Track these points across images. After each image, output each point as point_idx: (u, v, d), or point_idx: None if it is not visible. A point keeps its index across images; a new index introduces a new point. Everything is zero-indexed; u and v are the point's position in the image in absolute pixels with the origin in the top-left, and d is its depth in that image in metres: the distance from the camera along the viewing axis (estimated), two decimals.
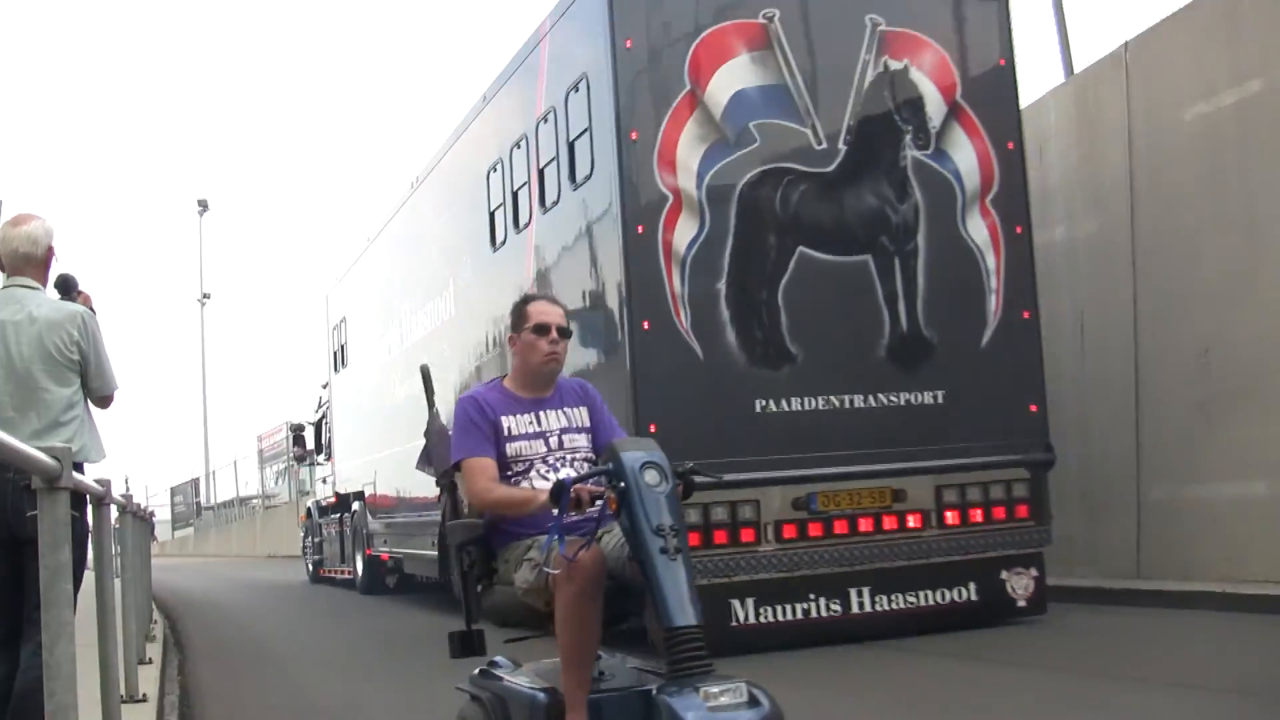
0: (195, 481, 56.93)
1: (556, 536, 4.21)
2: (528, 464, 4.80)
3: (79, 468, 5.26)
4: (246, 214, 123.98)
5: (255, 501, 43.52)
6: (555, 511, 4.26)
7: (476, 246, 11.67)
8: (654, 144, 8.88)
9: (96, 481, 5.52)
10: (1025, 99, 10.55)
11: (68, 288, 5.90)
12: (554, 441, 4.83)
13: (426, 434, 5.05)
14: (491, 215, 11.39)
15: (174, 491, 62.78)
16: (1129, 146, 11.29)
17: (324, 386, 20.34)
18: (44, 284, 5.57)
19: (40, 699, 3.61)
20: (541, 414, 4.88)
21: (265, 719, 7.78)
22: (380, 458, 15.16)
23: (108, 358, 5.55)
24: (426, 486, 11.69)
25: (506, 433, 4.79)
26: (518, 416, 4.84)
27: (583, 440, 4.85)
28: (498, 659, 4.82)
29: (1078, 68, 12.58)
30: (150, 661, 9.54)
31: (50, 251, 5.54)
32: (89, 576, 5.68)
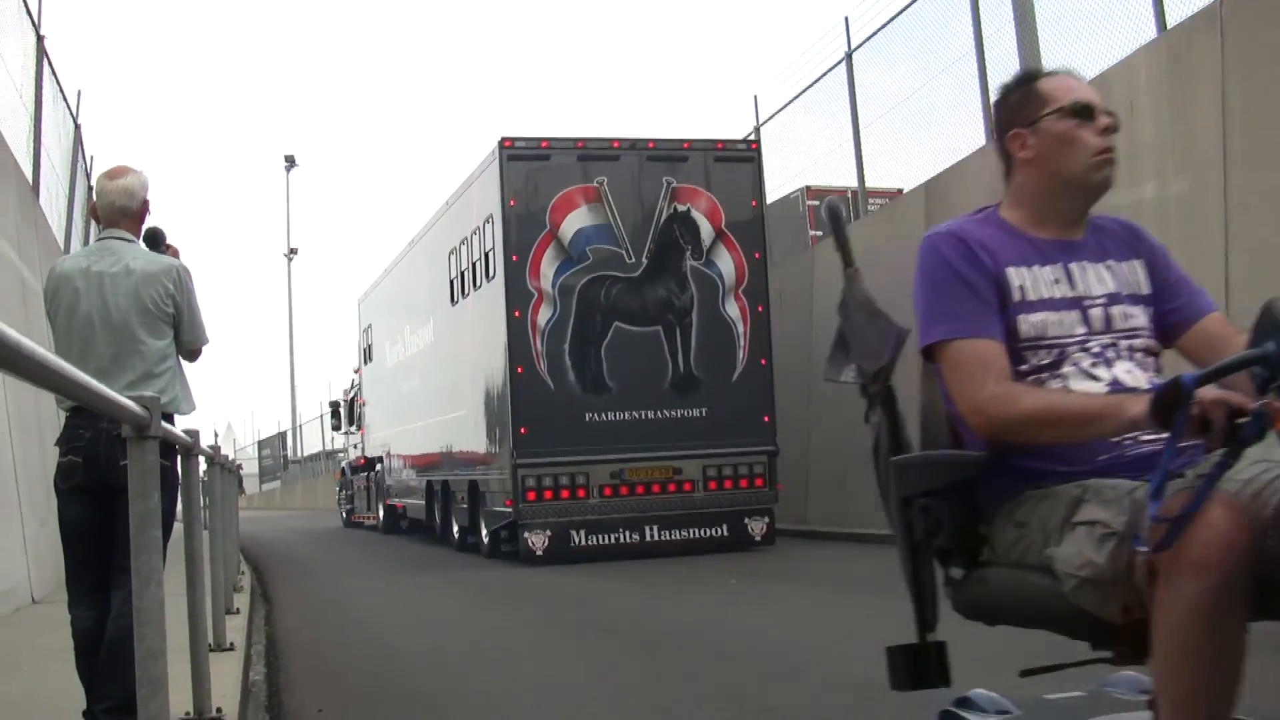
0: (282, 435, 57.96)
1: (1159, 483, 2.45)
2: (1058, 352, 2.98)
3: (170, 419, 5.38)
4: (333, 170, 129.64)
5: (340, 455, 48.32)
6: (1159, 437, 2.58)
7: (443, 299, 18.89)
8: (526, 262, 15.88)
9: (185, 433, 5.53)
10: (1115, 55, 12.28)
11: (156, 241, 6.01)
12: (1097, 316, 3.03)
13: (842, 311, 3.47)
14: (451, 281, 18.47)
15: (262, 445, 64.62)
16: (1222, 105, 11.09)
17: (355, 371, 28.67)
18: (137, 237, 5.69)
19: (130, 645, 3.67)
20: (1074, 268, 3.07)
21: (349, 669, 8.03)
22: (394, 432, 22.95)
23: (199, 311, 5.68)
24: (416, 451, 21.08)
25: (1019, 295, 3.01)
26: (1035, 269, 3.05)
27: (1141, 317, 3.05)
28: (976, 695, 3.21)
29: (1170, 23, 12.26)
30: (237, 612, 9.76)
31: (145, 205, 5.66)
32: (177, 528, 5.70)
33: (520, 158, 16.05)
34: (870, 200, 19.10)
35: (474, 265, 17.26)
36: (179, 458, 5.67)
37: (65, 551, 5.45)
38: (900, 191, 18.60)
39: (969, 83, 16.09)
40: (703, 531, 16.16)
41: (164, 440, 4.20)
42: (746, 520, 16.26)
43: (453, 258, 18.37)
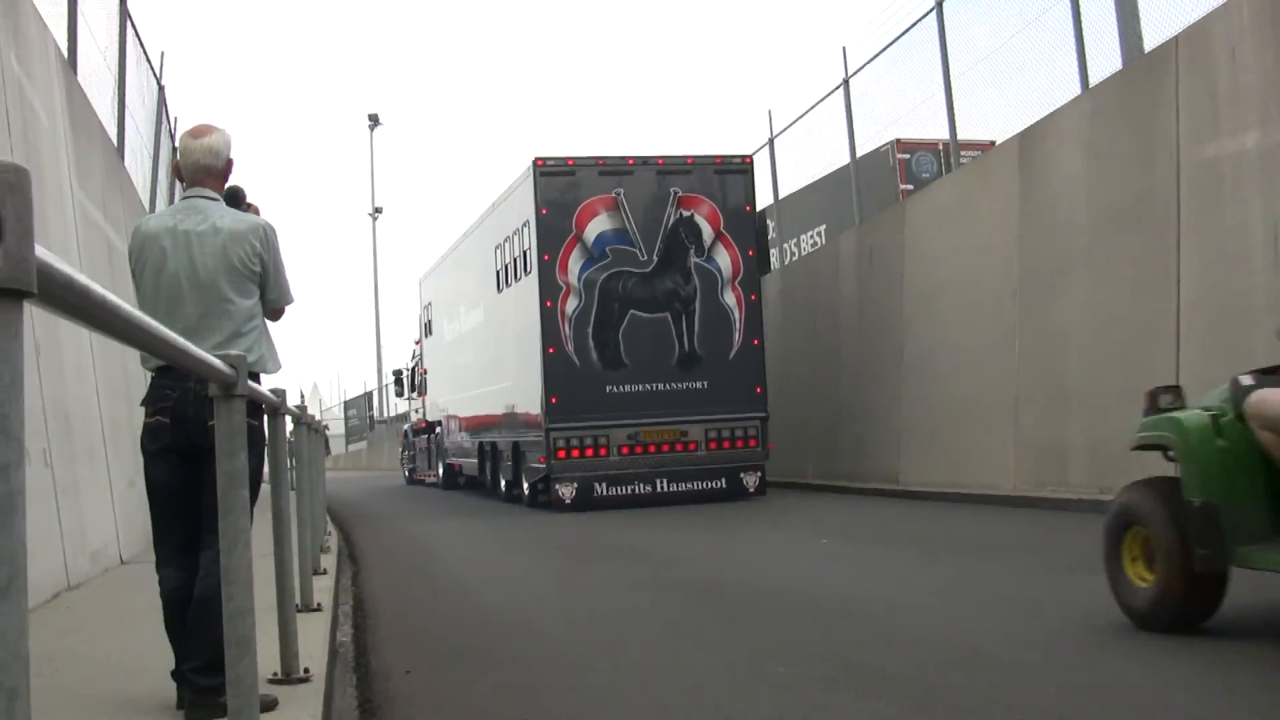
0: (368, 395, 58.61)
1: None
2: None
3: (256, 378, 5.34)
4: (416, 129, 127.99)
5: (403, 419, 45.77)
6: None
7: (491, 287, 22.79)
8: (556, 260, 19.61)
9: (271, 392, 5.48)
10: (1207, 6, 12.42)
11: (237, 199, 5.82)
12: None
13: None
14: (497, 273, 22.24)
15: (348, 406, 64.87)
16: None
17: (416, 343, 32.63)
18: (221, 195, 5.61)
19: (219, 604, 3.68)
20: None
21: (436, 630, 7.99)
22: (452, 399, 27.01)
23: (285, 270, 5.60)
24: (470, 416, 25.25)
25: None
26: None
27: None
28: None
29: None
30: (324, 572, 9.67)
31: (229, 163, 5.59)
32: (265, 488, 5.86)
33: (550, 174, 19.71)
34: (962, 153, 18.82)
35: (515, 260, 21.04)
36: (265, 417, 5.58)
37: (153, 512, 5.37)
38: (993, 144, 18.25)
39: (1063, 30, 15.69)
40: (705, 484, 19.75)
41: (251, 399, 4.10)
42: (742, 475, 19.86)
43: (498, 252, 22.11)
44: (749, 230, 20.33)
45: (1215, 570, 6.47)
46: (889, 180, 21.60)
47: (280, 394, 5.94)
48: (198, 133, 5.58)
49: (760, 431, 19.84)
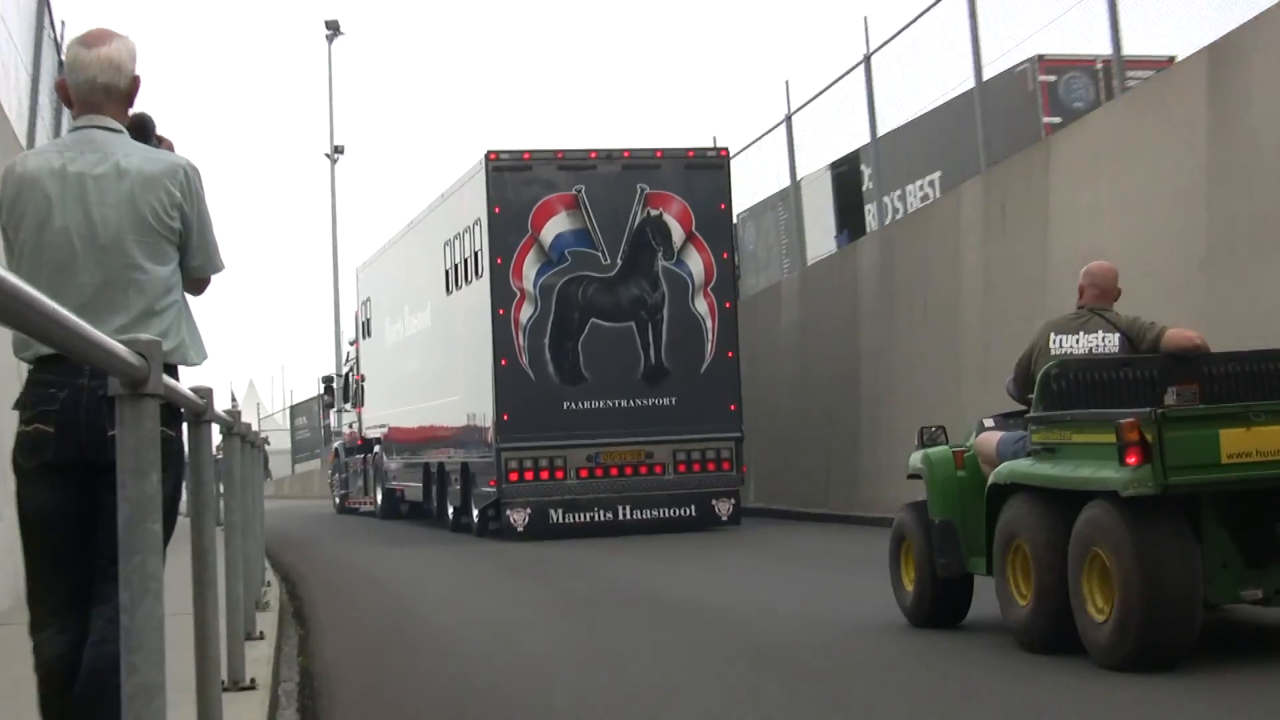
0: (323, 399, 41.83)
1: None
2: None
3: (174, 372, 4.44)
4: (387, 44, 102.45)
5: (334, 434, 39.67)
6: None
7: (439, 287, 21.74)
8: (510, 264, 18.66)
9: (194, 391, 4.52)
10: None
11: (145, 130, 4.68)
12: None
13: None
14: (446, 272, 21.15)
15: (295, 412, 52.29)
16: None
17: (351, 344, 30.32)
18: (125, 124, 4.54)
19: (116, 680, 2.98)
20: None
21: (414, 710, 6.94)
22: (394, 413, 25.58)
23: (212, 227, 4.60)
24: (416, 433, 23.59)
25: None
26: None
27: None
28: None
29: None
30: (261, 637, 8.37)
31: (135, 82, 4.51)
32: (182, 522, 4.60)
33: (504, 169, 18.86)
34: (1129, 74, 15.27)
35: (465, 261, 20.16)
36: (185, 426, 4.62)
37: (28, 554, 4.35)
38: (1172, 60, 15.06)
39: None
40: (672, 511, 18.92)
41: (166, 401, 3.42)
42: (713, 501, 18.95)
43: (447, 249, 21.16)
44: (724, 231, 19.54)
45: (951, 574, 8.65)
46: (1027, 111, 17.35)
47: (205, 394, 4.87)
48: (92, 40, 4.48)
49: (734, 453, 19.05)
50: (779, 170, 23.90)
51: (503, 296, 18.60)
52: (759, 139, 24.23)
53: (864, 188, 21.81)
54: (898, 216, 20.69)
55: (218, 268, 4.64)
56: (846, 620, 9.54)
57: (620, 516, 18.70)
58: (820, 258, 22.83)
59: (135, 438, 2.97)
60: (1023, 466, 7.84)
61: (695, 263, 19.11)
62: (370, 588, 13.99)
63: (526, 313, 18.62)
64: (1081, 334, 8.38)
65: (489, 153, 18.82)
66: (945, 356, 18.09)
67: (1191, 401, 7.20)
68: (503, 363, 18.56)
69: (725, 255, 19.32)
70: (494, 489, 18.60)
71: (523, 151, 18.95)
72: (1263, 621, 8.40)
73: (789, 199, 23.77)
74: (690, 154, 19.38)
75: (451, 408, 20.98)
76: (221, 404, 6.91)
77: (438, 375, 22.04)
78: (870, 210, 21.60)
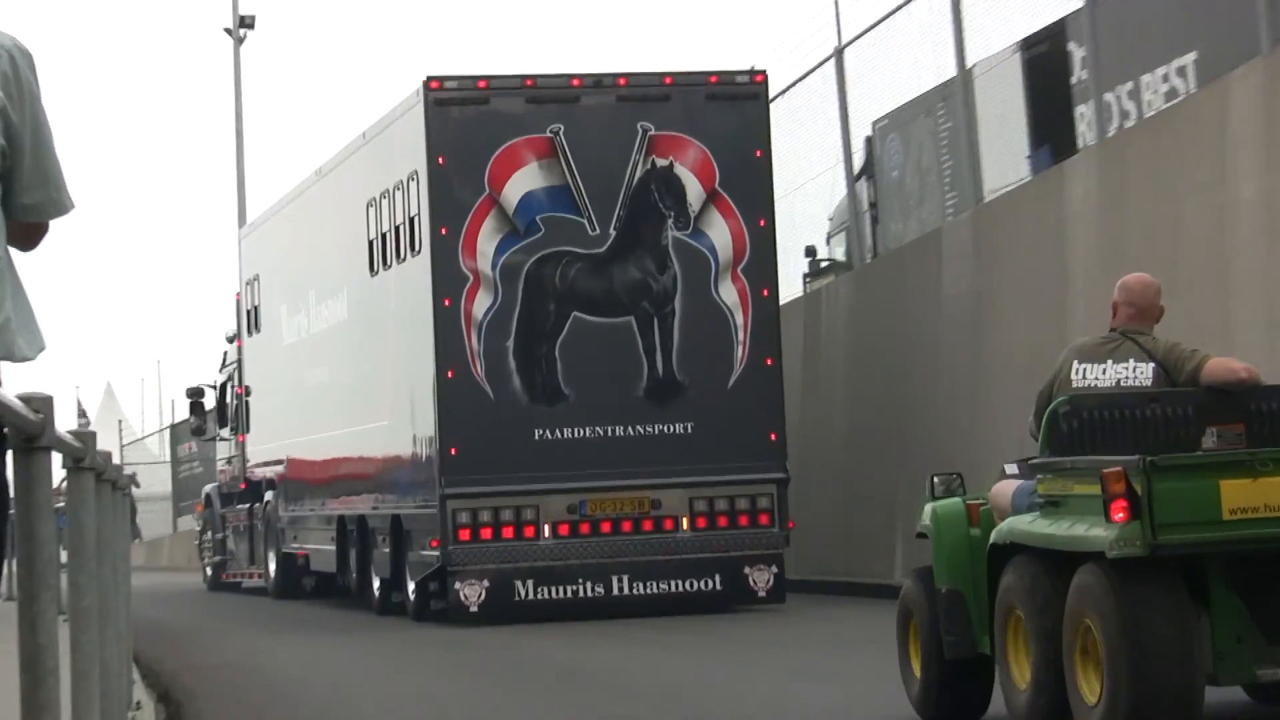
0: (190, 423, 30.04)
1: None
2: None
3: None
4: None
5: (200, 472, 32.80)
6: None
7: (360, 265, 16.92)
8: (459, 236, 14.52)
9: (23, 401, 3.44)
10: None
11: None
12: None
13: None
14: (370, 244, 16.66)
15: (176, 435, 37.56)
16: None
17: (230, 341, 23.18)
18: None
19: None
20: None
21: None
22: (293, 443, 20.14)
23: (53, 142, 3.76)
24: (325, 472, 17.49)
25: None
26: None
27: None
28: None
29: None
30: None
31: None
32: (5, 609, 4.62)
33: (451, 101, 14.70)
34: None
35: (396, 230, 15.83)
36: (9, 454, 3.55)
37: None
38: None
39: None
40: (689, 584, 14.77)
41: None
42: (747, 569, 14.83)
43: (371, 212, 16.64)
44: (762, 188, 15.37)
45: (961, 655, 7.68)
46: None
47: (42, 405, 3.45)
48: None
49: (776, 502, 14.90)
50: (936, 55, 18.04)
51: (449, 281, 14.49)
52: (898, 7, 18.06)
53: (1073, 80, 16.73)
54: (1127, 123, 15.87)
55: (63, 207, 3.75)
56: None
57: (615, 591, 14.62)
58: (1004, 190, 17.28)
59: None
60: (1022, 524, 7.35)
61: (720, 233, 14.93)
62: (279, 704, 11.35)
63: (482, 304, 14.51)
64: (1110, 362, 7.82)
65: (429, 79, 14.68)
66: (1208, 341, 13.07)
67: (1236, 444, 7.13)
68: (449, 374, 14.51)
69: (762, 223, 15.10)
70: (437, 552, 14.68)
71: (477, 78, 14.93)
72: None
73: (954, 97, 17.63)
74: (713, 79, 15.26)
75: (377, 437, 16.75)
76: (64, 422, 4.96)
77: (357, 391, 17.48)
78: (1083, 114, 16.53)
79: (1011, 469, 7.83)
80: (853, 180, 18.57)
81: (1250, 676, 6.81)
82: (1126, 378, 7.65)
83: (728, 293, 14.74)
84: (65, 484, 5.74)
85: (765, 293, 14.88)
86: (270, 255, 21.20)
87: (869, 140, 18.75)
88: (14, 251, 3.63)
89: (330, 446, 18.20)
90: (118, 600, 8.07)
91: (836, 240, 20.08)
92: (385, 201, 15.98)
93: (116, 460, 12.12)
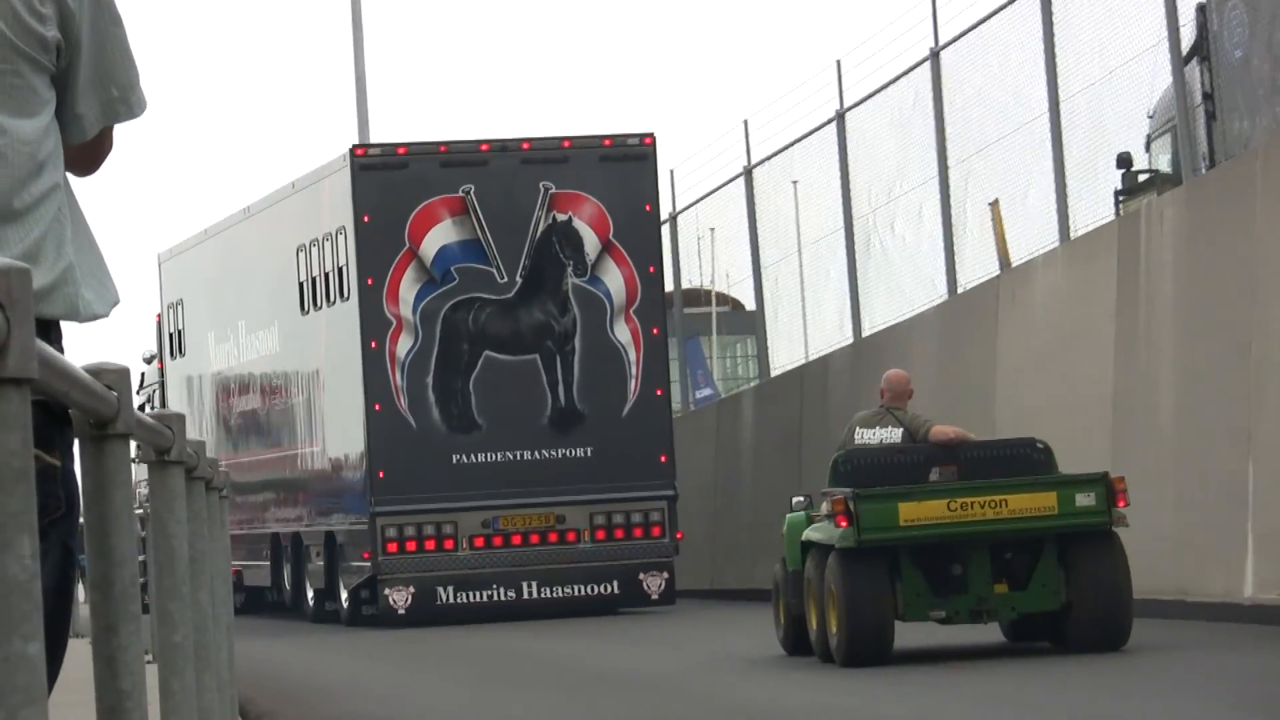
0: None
1: None
2: None
3: (54, 333, 3.03)
4: None
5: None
6: None
7: (291, 303, 20.28)
8: (383, 285, 17.54)
9: (92, 373, 2.69)
10: None
11: None
12: None
13: None
14: (301, 285, 19.96)
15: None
16: None
17: (149, 362, 25.81)
18: None
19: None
20: None
21: None
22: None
23: (124, 35, 3.16)
24: (256, 495, 20.56)
25: None
26: None
27: None
28: None
29: None
30: None
31: None
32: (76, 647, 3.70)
33: (375, 167, 17.94)
34: None
35: (326, 277, 19.02)
36: (77, 444, 3.01)
37: None
38: None
39: None
40: (590, 589, 17.94)
41: (43, 395, 2.27)
42: (641, 575, 17.93)
43: (301, 256, 19.84)
44: (650, 238, 18.63)
45: (799, 613, 12.22)
46: None
47: (116, 379, 2.80)
48: None
49: (666, 515, 18.17)
50: None
51: (375, 325, 17.62)
52: None
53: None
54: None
55: (132, 108, 3.15)
56: None
57: (525, 595, 17.77)
58: None
59: None
60: (813, 530, 12.07)
61: (614, 279, 18.17)
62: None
63: (405, 345, 17.64)
64: (877, 428, 12.63)
65: (354, 147, 18.16)
66: None
67: (951, 479, 11.93)
68: (376, 407, 17.62)
69: (651, 270, 18.47)
70: (369, 563, 17.71)
71: (396, 145, 18.25)
72: (944, 635, 12.44)
73: None
74: (607, 142, 18.54)
75: (309, 461, 19.79)
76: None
77: (291, 419, 20.60)
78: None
79: (799, 499, 12.94)
80: (1180, 64, 14.77)
81: (925, 616, 11.68)
82: (886, 437, 12.45)
83: (622, 332, 18.01)
84: (149, 482, 4.73)
85: (655, 331, 18.18)
86: (195, 281, 23.50)
87: (1201, 9, 14.86)
88: (72, 179, 3.14)
89: (261, 469, 21.36)
90: (218, 634, 6.52)
91: (1159, 145, 16.01)
92: (315, 249, 19.26)
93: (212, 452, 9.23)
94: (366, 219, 17.63)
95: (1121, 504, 11.43)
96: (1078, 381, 15.41)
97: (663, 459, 17.96)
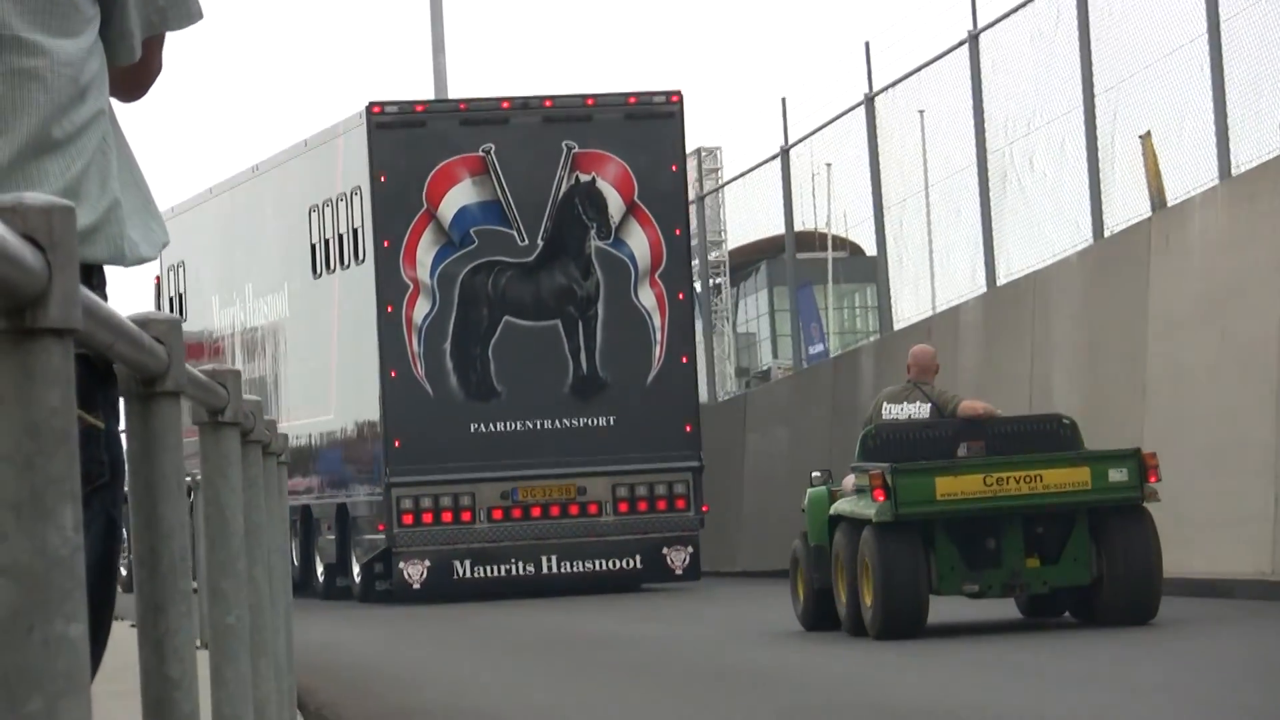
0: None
1: None
2: None
3: (98, 277, 2.85)
4: None
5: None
6: None
7: (302, 266, 20.22)
8: (400, 247, 17.44)
9: (138, 323, 2.43)
10: None
11: None
12: None
13: None
14: (313, 247, 19.84)
15: None
16: None
17: None
18: None
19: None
20: None
21: None
22: None
23: None
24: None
25: None
26: None
27: None
28: None
29: None
30: None
31: None
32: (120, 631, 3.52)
33: (391, 125, 17.84)
34: None
35: (340, 239, 18.96)
36: (123, 403, 2.80)
37: None
38: None
39: None
40: (612, 563, 17.91)
41: (86, 348, 2.07)
42: (665, 550, 17.87)
43: (314, 216, 19.71)
44: (677, 200, 18.49)
45: (823, 586, 12.64)
46: None
47: (166, 331, 2.59)
48: None
49: (692, 488, 18.11)
50: None
51: (391, 289, 17.57)
52: None
53: None
54: None
55: (188, 13, 2.95)
56: None
57: (544, 570, 17.75)
58: None
59: (24, 421, 1.53)
60: (843, 504, 12.51)
61: (639, 242, 18.12)
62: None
63: (422, 310, 17.59)
64: (904, 403, 13.06)
65: (371, 104, 17.90)
66: None
67: (979, 454, 12.36)
68: (392, 374, 17.57)
69: (678, 232, 18.40)
70: (383, 535, 17.67)
71: (414, 103, 18.16)
72: (977, 607, 12.96)
73: None
74: (631, 100, 18.51)
75: (322, 430, 19.72)
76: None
77: (301, 386, 20.53)
78: None
79: (817, 475, 13.32)
80: None
81: (958, 590, 12.17)
82: (915, 412, 12.89)
83: (646, 297, 18.01)
84: (202, 447, 4.35)
85: (681, 296, 18.16)
86: (198, 243, 22.89)
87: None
88: (116, 104, 2.98)
89: None
90: (275, 616, 6.18)
91: None
92: (329, 210, 19.23)
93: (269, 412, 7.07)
94: (383, 179, 17.63)
95: (1153, 479, 11.83)
96: (1240, 338, 14.47)
97: (688, 429, 17.96)
